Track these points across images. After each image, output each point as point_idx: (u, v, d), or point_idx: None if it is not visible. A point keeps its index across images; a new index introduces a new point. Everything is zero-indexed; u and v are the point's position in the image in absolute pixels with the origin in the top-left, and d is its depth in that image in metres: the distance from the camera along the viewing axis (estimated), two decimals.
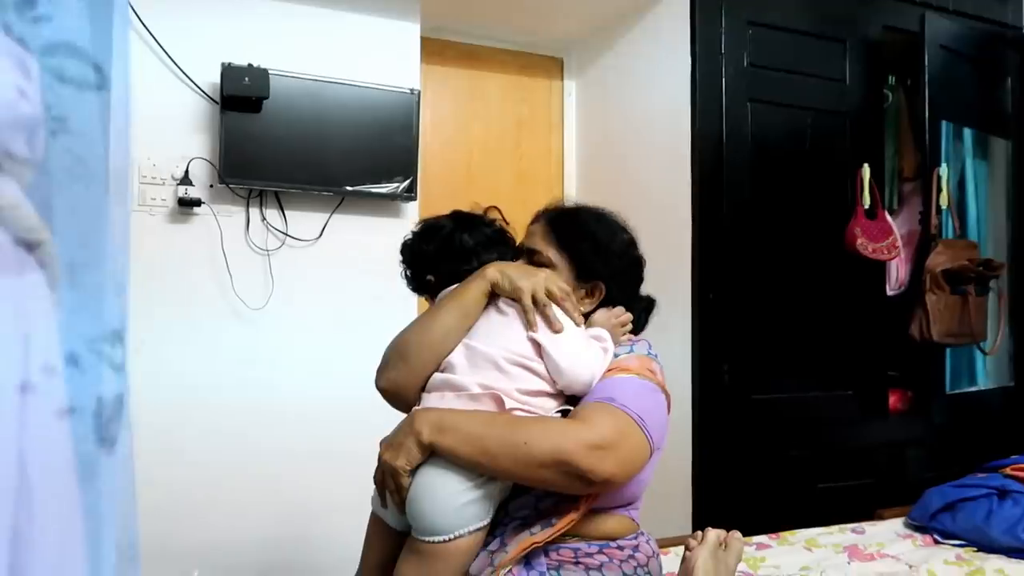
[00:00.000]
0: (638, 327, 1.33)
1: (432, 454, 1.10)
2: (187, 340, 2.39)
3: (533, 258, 1.29)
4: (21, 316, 0.37)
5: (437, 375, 1.21)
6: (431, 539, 1.07)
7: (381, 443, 1.16)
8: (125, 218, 0.44)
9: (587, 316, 1.27)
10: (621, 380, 1.18)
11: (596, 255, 1.29)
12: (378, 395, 1.31)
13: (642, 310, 1.36)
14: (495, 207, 1.42)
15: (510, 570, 1.09)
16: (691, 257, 2.46)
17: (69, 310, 0.39)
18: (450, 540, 1.06)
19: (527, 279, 1.20)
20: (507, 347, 1.16)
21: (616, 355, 1.23)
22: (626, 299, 1.31)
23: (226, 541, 2.40)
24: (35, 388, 0.37)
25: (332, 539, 2.39)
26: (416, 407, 1.18)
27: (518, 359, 1.15)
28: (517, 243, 1.36)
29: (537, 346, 1.16)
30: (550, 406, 1.17)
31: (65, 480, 0.37)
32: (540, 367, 1.16)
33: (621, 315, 1.27)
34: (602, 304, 1.29)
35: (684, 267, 2.47)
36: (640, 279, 1.36)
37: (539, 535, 1.12)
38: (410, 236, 1.39)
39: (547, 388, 1.16)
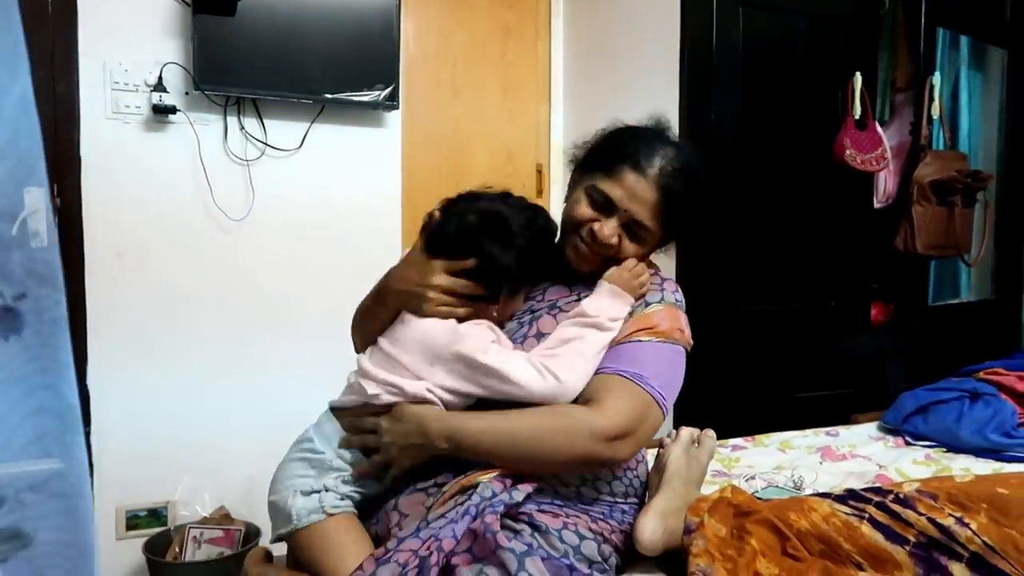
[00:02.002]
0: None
1: None
2: (169, 250, 2.38)
3: (634, 230, 1.17)
4: None
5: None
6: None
7: (385, 426, 1.09)
8: None
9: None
10: (652, 349, 1.14)
11: (693, 228, 1.24)
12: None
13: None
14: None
15: (491, 479, 1.07)
16: None
17: None
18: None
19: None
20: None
21: (647, 303, 1.19)
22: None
23: (212, 450, 2.44)
24: None
25: None
26: (410, 407, 1.10)
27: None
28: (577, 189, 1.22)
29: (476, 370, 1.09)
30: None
31: None
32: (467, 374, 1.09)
33: (637, 270, 1.19)
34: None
35: None
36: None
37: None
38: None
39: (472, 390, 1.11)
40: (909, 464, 1.72)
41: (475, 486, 1.06)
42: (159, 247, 2.37)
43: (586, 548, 1.07)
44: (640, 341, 1.14)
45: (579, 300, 1.19)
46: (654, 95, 2.53)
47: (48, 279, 0.44)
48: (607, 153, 1.21)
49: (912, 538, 1.01)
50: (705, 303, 2.43)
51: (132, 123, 2.32)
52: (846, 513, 1.05)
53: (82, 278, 2.28)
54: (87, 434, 2.30)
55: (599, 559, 1.09)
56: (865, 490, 1.10)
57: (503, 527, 1.01)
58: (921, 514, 1.03)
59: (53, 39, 2.19)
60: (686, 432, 1.38)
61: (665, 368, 1.15)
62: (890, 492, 1.07)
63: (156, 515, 2.39)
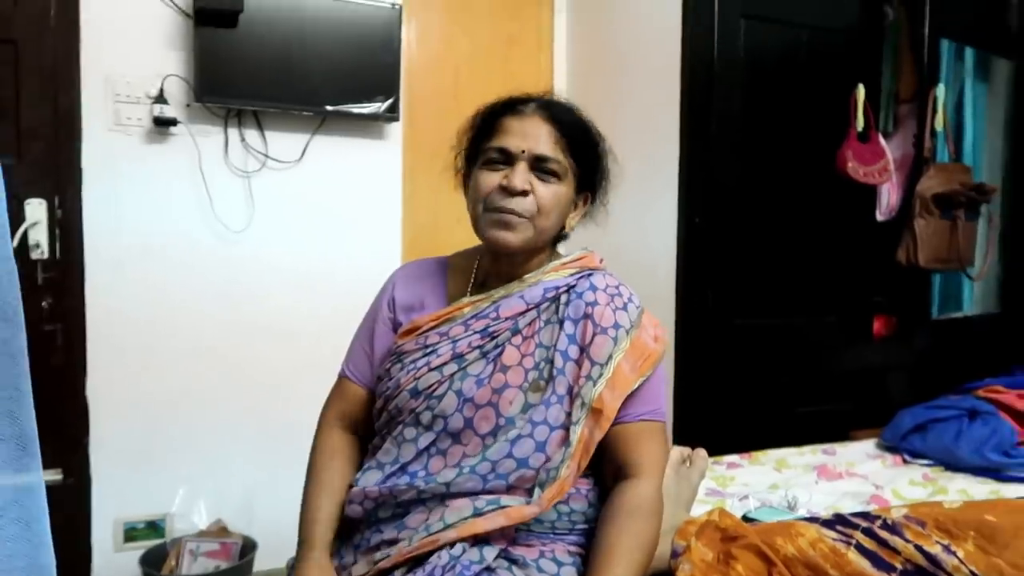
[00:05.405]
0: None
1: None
2: (169, 261, 2.39)
3: (542, 167, 1.12)
4: None
5: None
6: None
7: None
8: None
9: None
10: (656, 379, 1.13)
11: (598, 166, 1.19)
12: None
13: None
14: None
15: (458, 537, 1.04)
16: (678, 181, 2.42)
17: None
18: None
19: None
20: None
21: (627, 327, 1.11)
22: (597, 199, 1.23)
23: (212, 459, 2.44)
24: None
25: None
26: None
27: None
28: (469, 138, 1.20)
29: None
30: None
31: None
32: None
33: None
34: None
35: (671, 190, 2.43)
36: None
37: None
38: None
39: None
40: (905, 485, 1.70)
41: (440, 548, 1.03)
42: (160, 259, 2.38)
43: (566, 574, 1.06)
44: (650, 377, 1.12)
45: (538, 316, 1.13)
46: (655, 107, 2.52)
47: (7, 315, 0.44)
48: (484, 123, 1.19)
49: (899, 565, 1.00)
50: (704, 316, 2.43)
51: (134, 135, 2.33)
52: (833, 539, 1.04)
53: (82, 289, 2.29)
54: (85, 445, 2.31)
55: None
56: (854, 515, 1.09)
57: None
58: (908, 541, 1.02)
59: (55, 50, 2.21)
60: (676, 452, 1.37)
61: (662, 386, 1.15)
62: (878, 518, 1.05)
63: (154, 527, 2.39)
